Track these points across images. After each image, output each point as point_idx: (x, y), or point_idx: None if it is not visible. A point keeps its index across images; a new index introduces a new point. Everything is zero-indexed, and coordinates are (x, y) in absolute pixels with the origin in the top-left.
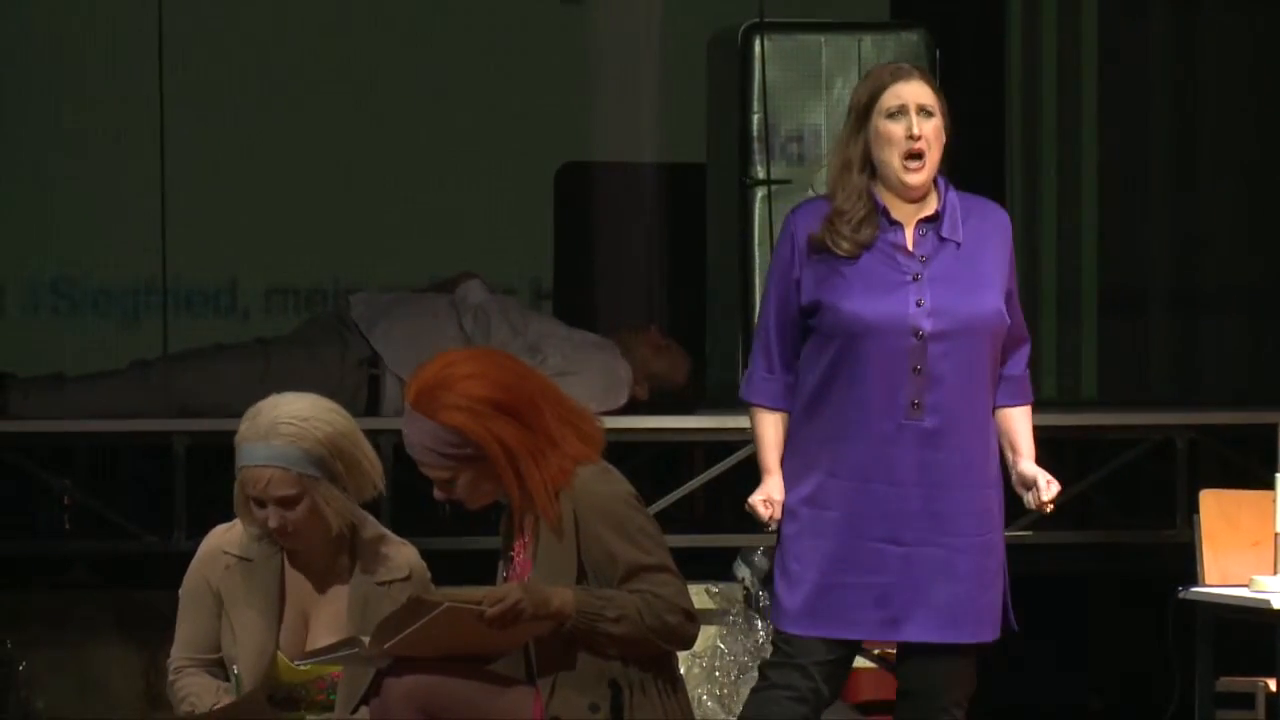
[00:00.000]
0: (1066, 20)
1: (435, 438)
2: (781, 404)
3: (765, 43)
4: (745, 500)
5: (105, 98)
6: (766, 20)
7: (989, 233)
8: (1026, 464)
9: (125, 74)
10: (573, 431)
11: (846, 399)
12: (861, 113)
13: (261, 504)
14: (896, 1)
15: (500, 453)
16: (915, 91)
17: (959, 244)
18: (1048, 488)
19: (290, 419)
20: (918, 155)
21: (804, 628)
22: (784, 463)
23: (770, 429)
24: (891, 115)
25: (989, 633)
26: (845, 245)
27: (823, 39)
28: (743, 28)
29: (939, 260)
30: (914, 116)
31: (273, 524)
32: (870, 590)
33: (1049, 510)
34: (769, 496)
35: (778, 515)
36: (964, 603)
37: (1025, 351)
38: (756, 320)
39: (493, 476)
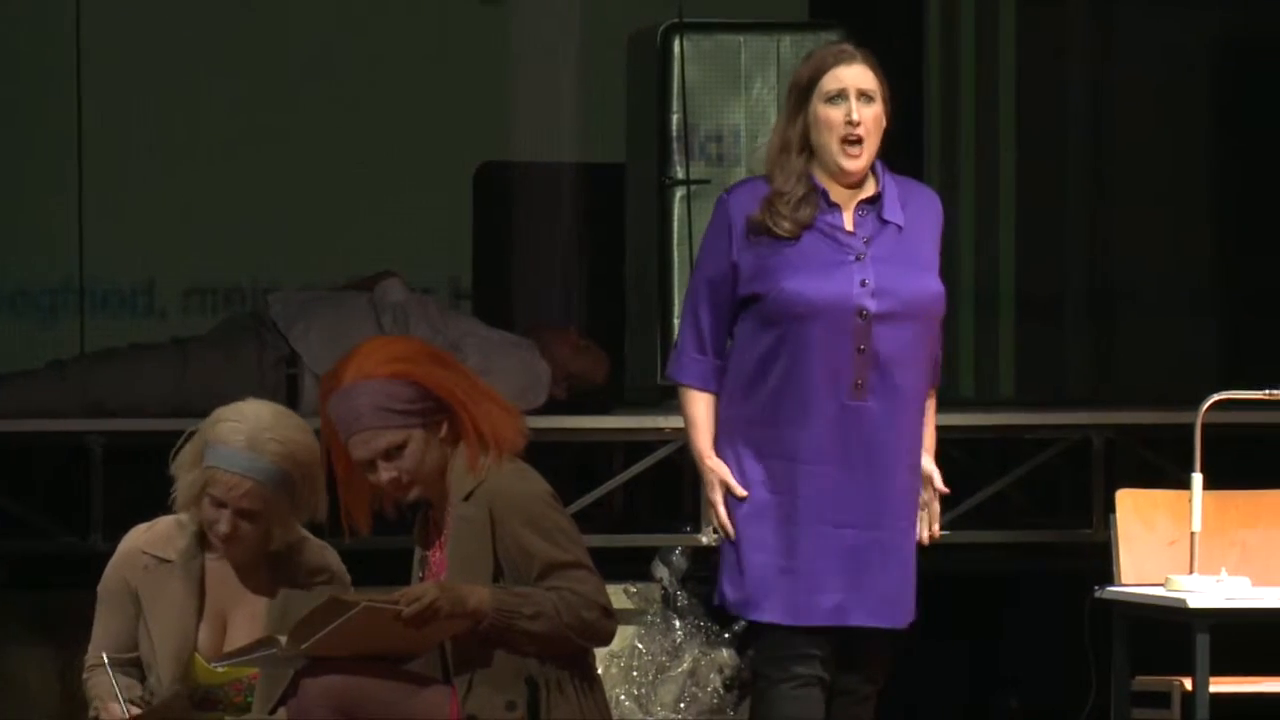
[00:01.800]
0: (985, 20)
1: (387, 394)
2: (712, 386)
3: (684, 43)
4: (664, 500)
5: (21, 98)
6: (685, 20)
7: (924, 215)
8: (926, 459)
9: (42, 75)
10: (501, 402)
11: (788, 381)
12: (801, 94)
13: (220, 505)
14: (815, 1)
15: (455, 398)
16: (856, 76)
17: (900, 227)
18: (934, 497)
19: (279, 437)
20: (856, 141)
21: (763, 615)
22: (718, 448)
23: (704, 410)
24: (831, 100)
25: (912, 615)
26: (786, 225)
27: (742, 39)
28: (662, 28)
29: (880, 241)
30: (854, 102)
31: (224, 529)
32: (815, 576)
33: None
34: (723, 481)
35: (739, 489)
36: (898, 586)
37: (940, 338)
38: (682, 301)
39: (441, 440)
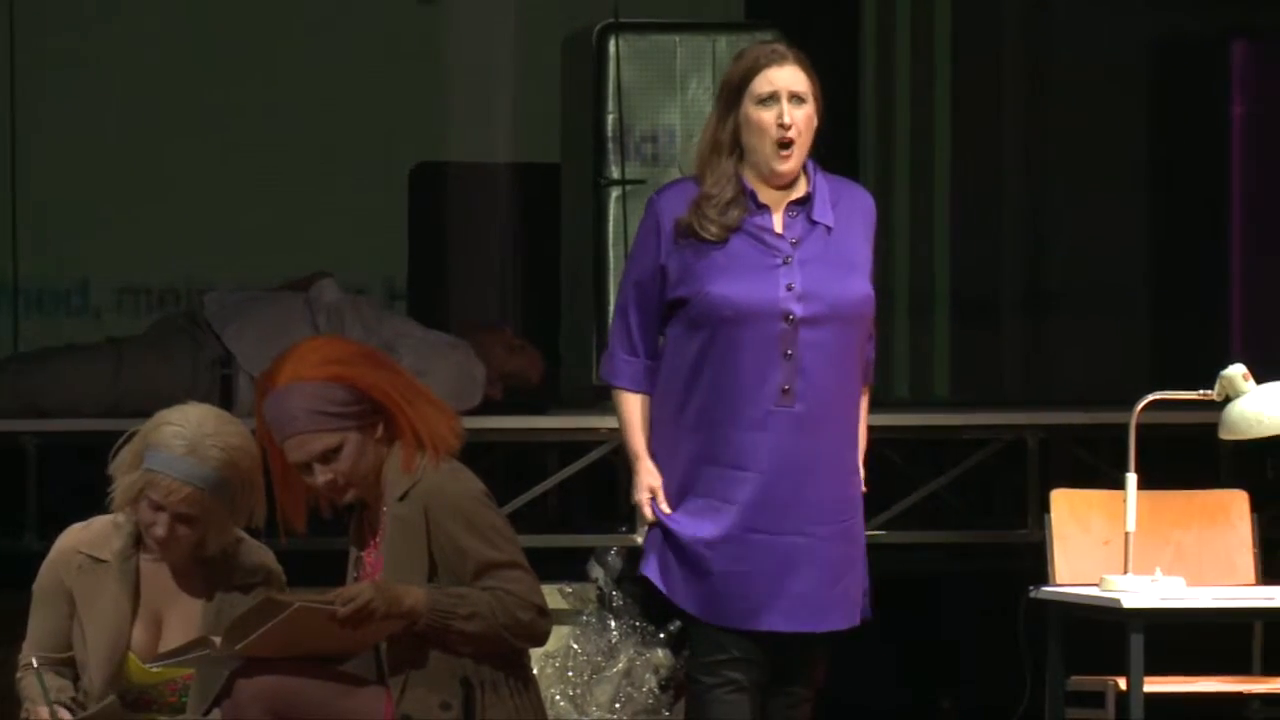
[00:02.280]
0: (920, 21)
1: (322, 397)
2: (644, 387)
3: (620, 43)
4: (600, 500)
5: None
6: (621, 20)
7: (856, 216)
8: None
9: None
10: (437, 403)
11: (716, 385)
12: (733, 95)
13: (159, 508)
14: (751, 2)
15: (390, 399)
16: (788, 77)
17: (829, 228)
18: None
19: (220, 444)
20: (787, 144)
21: (684, 604)
22: (653, 452)
23: (637, 411)
24: (762, 101)
25: (843, 620)
26: (713, 229)
27: (677, 39)
28: (597, 28)
29: (809, 244)
30: (785, 104)
31: (161, 532)
32: (735, 579)
33: None
34: (651, 487)
35: (664, 503)
36: (821, 591)
37: (873, 338)
38: (614, 302)
39: (376, 441)
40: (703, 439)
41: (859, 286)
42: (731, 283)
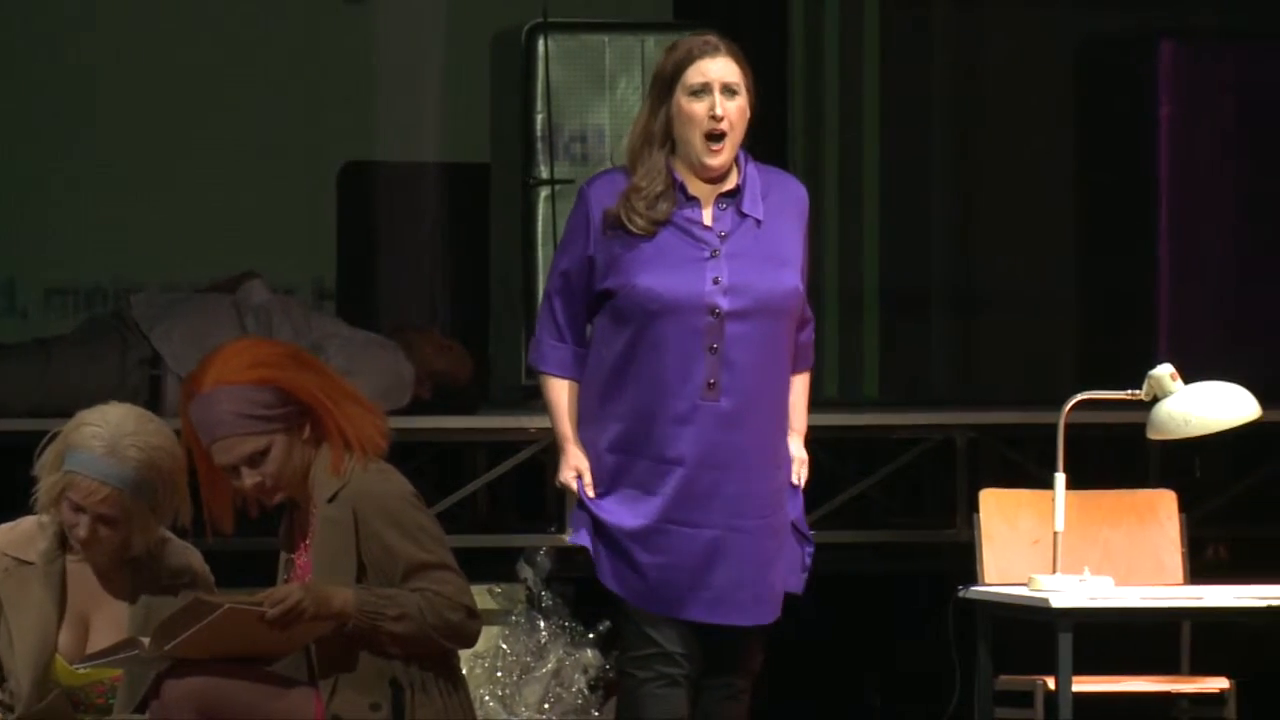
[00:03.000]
0: (849, 19)
1: (249, 400)
2: (571, 372)
3: (549, 42)
4: (529, 500)
5: None
6: (550, 20)
7: (787, 208)
8: (794, 442)
9: None
10: (365, 404)
11: (643, 378)
12: (665, 86)
13: (79, 510)
14: (680, 1)
15: (318, 400)
16: (721, 69)
17: (759, 221)
18: (799, 479)
19: (139, 443)
20: (719, 136)
21: (612, 586)
22: (580, 442)
23: (564, 396)
24: (695, 93)
25: (769, 614)
26: (640, 222)
27: (606, 39)
28: (526, 27)
29: (738, 237)
30: (717, 95)
31: (82, 534)
32: (660, 570)
33: None
34: (577, 468)
35: (591, 483)
36: (748, 584)
37: (811, 324)
38: (543, 289)
39: (304, 443)
40: (628, 431)
41: (787, 280)
42: (658, 276)
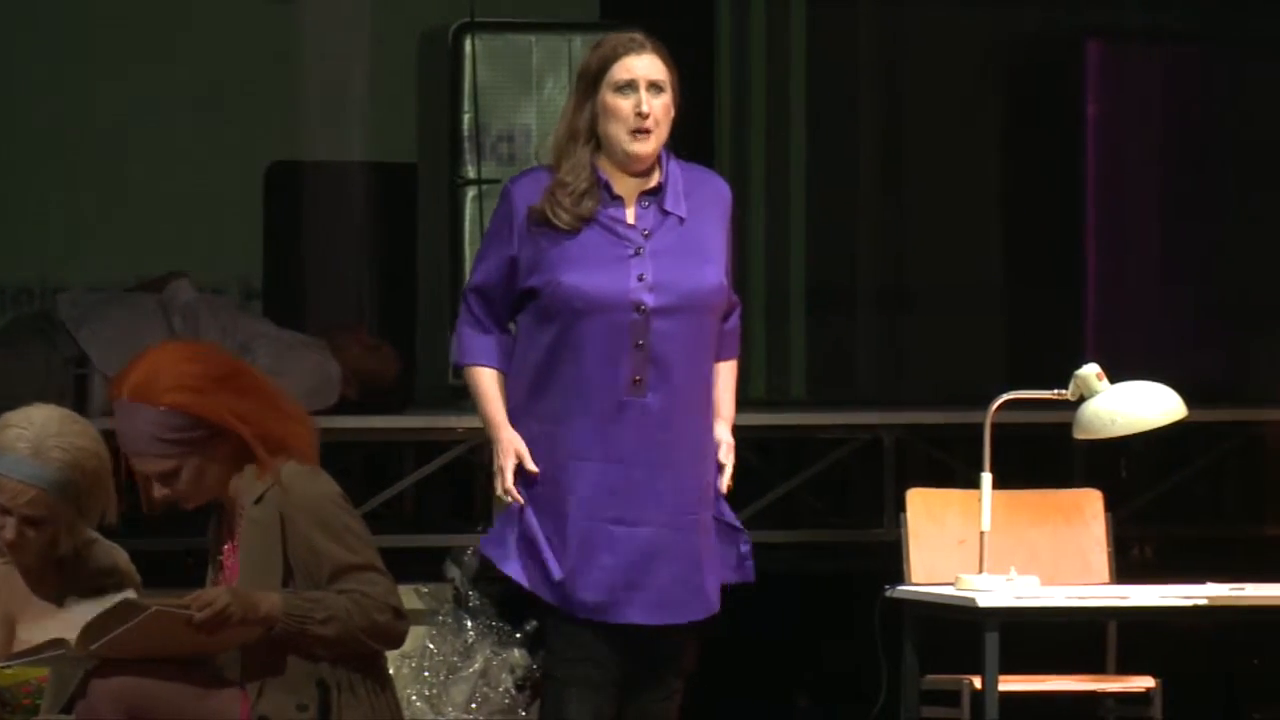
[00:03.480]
0: (776, 18)
1: (160, 425)
2: (496, 361)
3: (476, 42)
4: (456, 500)
5: None
6: (477, 20)
7: (710, 205)
8: (721, 428)
9: None
10: (291, 412)
11: (569, 376)
12: (590, 82)
13: (4, 512)
14: (607, 1)
15: (236, 422)
16: (646, 66)
17: (682, 218)
18: (726, 461)
19: (64, 445)
20: (645, 132)
21: (540, 593)
22: (525, 428)
23: (491, 383)
24: (620, 89)
25: (704, 610)
26: (565, 218)
27: (533, 39)
28: (453, 27)
29: (661, 234)
30: (643, 93)
31: (8, 535)
32: (595, 572)
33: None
34: (516, 452)
35: (531, 464)
36: (681, 583)
37: (736, 311)
38: (465, 286)
39: (219, 460)
40: (555, 430)
41: (710, 276)
42: (583, 274)
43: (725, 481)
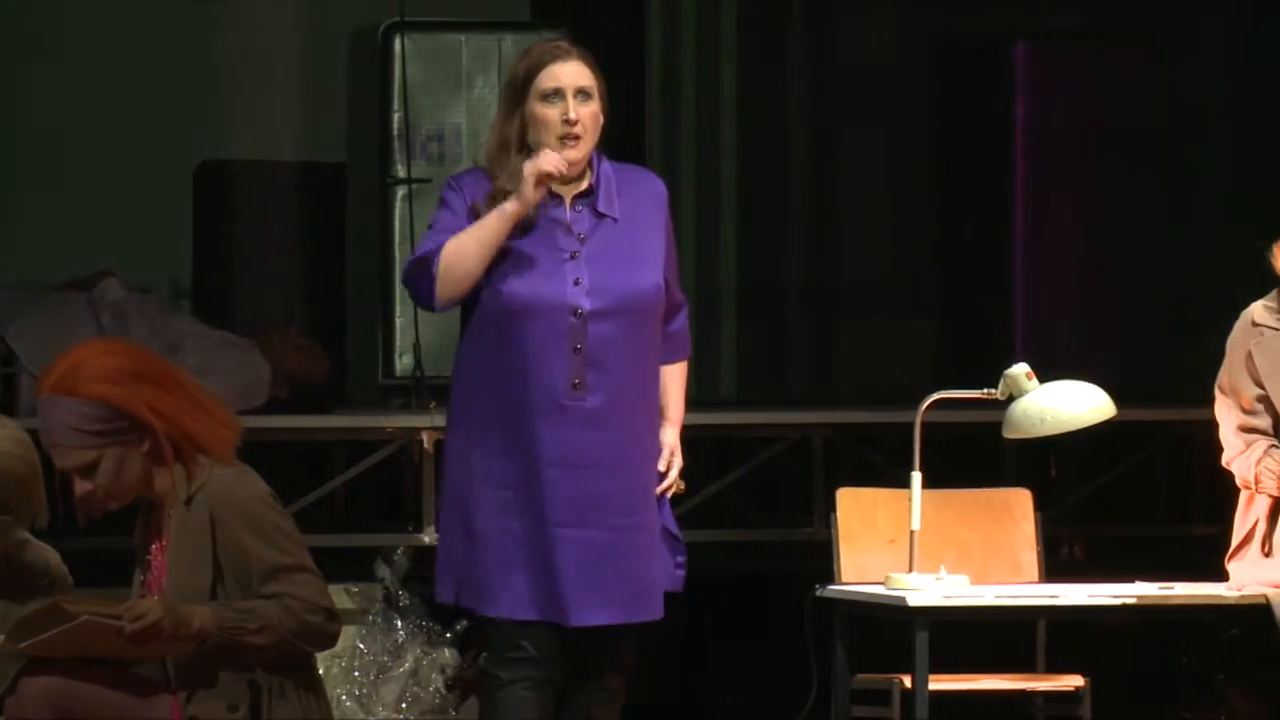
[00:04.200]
0: (706, 20)
1: (79, 415)
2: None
3: (405, 41)
4: (386, 499)
5: None
6: (406, 19)
7: (645, 204)
8: (669, 431)
9: None
10: (213, 411)
11: (510, 379)
12: (518, 92)
13: None
14: (537, 1)
15: (151, 416)
16: (573, 73)
17: (616, 219)
18: (669, 468)
19: None
20: (573, 139)
21: (499, 610)
22: (453, 441)
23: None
24: (547, 98)
25: (652, 612)
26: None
27: (463, 38)
28: (383, 26)
29: (597, 237)
30: (570, 100)
31: None
32: (540, 573)
33: (677, 490)
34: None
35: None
36: (630, 583)
37: (683, 311)
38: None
39: (138, 455)
40: (498, 435)
41: (648, 278)
42: (522, 279)
43: (663, 487)
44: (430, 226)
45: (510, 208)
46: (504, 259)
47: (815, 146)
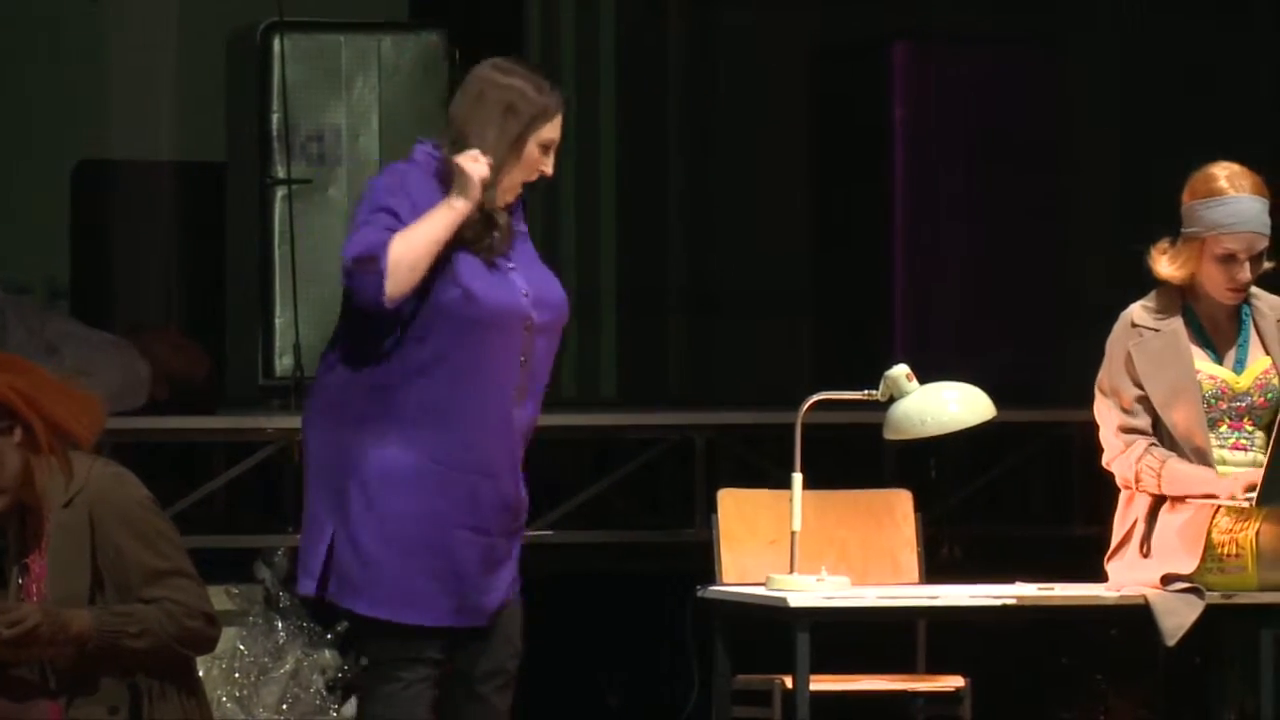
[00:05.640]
0: (585, 21)
1: None
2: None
3: (285, 41)
4: (266, 500)
5: None
6: (285, 19)
7: (519, 215)
8: None
9: None
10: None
11: (459, 385)
12: (524, 125)
13: None
14: (415, 2)
15: (20, 401)
16: (559, 124)
17: (526, 233)
18: None
19: None
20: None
21: (390, 612)
22: (378, 435)
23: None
24: (544, 147)
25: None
26: (469, 234)
27: (342, 39)
28: (262, 26)
29: (521, 250)
30: (551, 154)
31: None
32: (447, 578)
33: None
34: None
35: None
36: (510, 587)
37: None
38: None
39: (14, 446)
40: (435, 436)
41: (562, 290)
42: (484, 286)
43: None
44: (359, 223)
45: (460, 205)
46: (470, 265)
47: (694, 148)
